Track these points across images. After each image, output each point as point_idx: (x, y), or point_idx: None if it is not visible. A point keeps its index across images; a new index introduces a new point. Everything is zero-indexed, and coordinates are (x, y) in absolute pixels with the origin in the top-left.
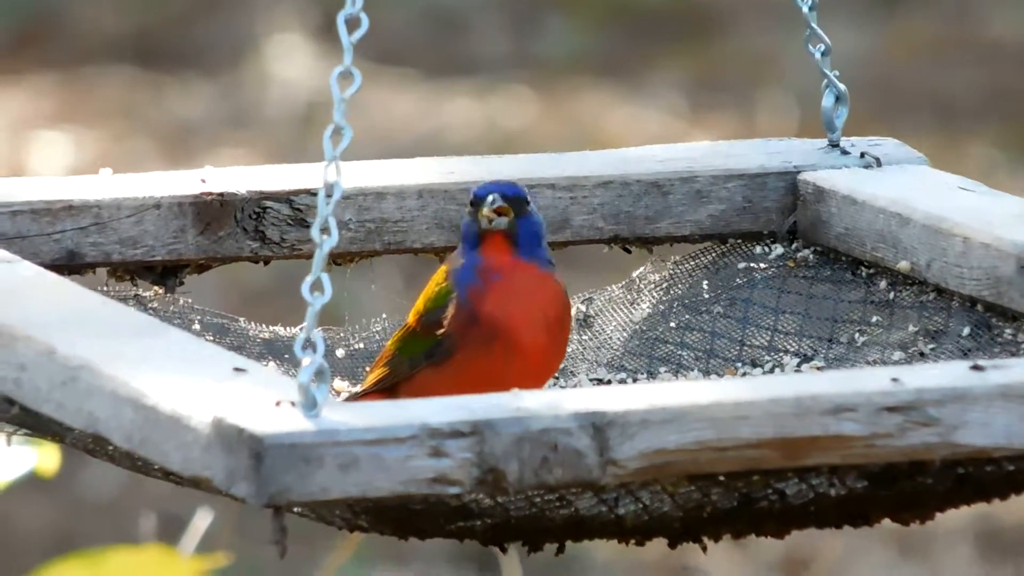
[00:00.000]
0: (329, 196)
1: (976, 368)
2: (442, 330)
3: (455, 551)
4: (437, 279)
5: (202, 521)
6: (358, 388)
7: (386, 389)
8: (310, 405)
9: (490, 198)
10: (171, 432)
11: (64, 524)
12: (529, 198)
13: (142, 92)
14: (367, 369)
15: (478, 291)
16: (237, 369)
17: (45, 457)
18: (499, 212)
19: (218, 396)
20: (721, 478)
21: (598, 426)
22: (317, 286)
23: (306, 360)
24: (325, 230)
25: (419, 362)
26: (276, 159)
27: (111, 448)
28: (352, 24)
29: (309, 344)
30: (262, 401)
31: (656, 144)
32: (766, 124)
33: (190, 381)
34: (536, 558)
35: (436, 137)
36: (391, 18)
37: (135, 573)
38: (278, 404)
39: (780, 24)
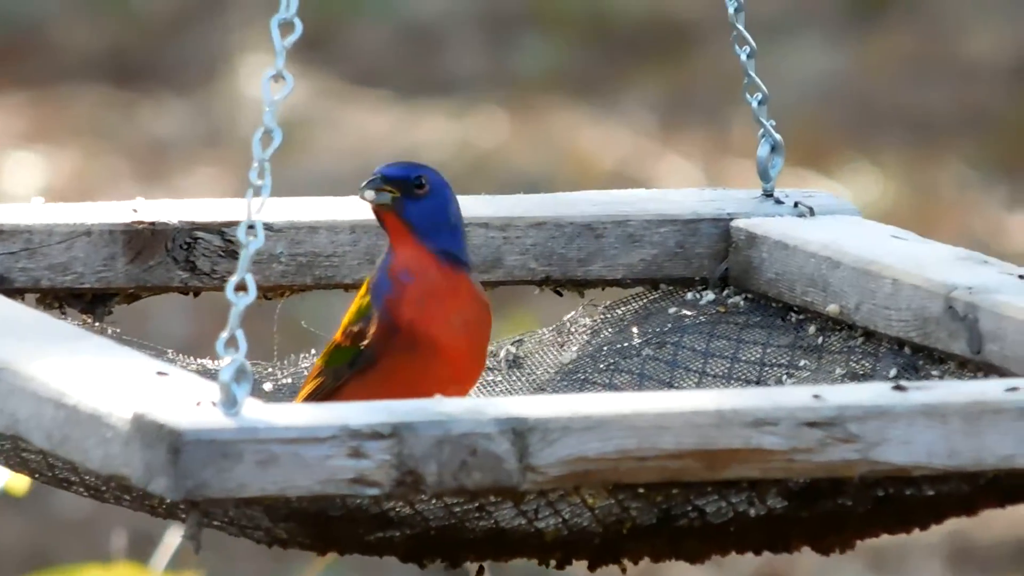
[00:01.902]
0: (257, 197)
1: (898, 388)
2: (365, 341)
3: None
4: (360, 293)
5: (173, 538)
6: None
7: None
8: (230, 403)
9: (371, 178)
10: (91, 430)
11: (36, 541)
12: (424, 180)
13: (115, 110)
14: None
15: (393, 299)
16: (160, 373)
17: (16, 476)
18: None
19: (139, 395)
20: (641, 490)
21: (519, 431)
22: (241, 286)
23: (227, 359)
24: (252, 232)
25: (343, 372)
26: (248, 178)
27: (33, 455)
28: (285, 28)
29: (232, 343)
30: (183, 399)
31: (629, 162)
32: (739, 142)
33: (112, 381)
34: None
35: (411, 156)
36: (366, 37)
37: None
38: (199, 403)
39: (754, 41)
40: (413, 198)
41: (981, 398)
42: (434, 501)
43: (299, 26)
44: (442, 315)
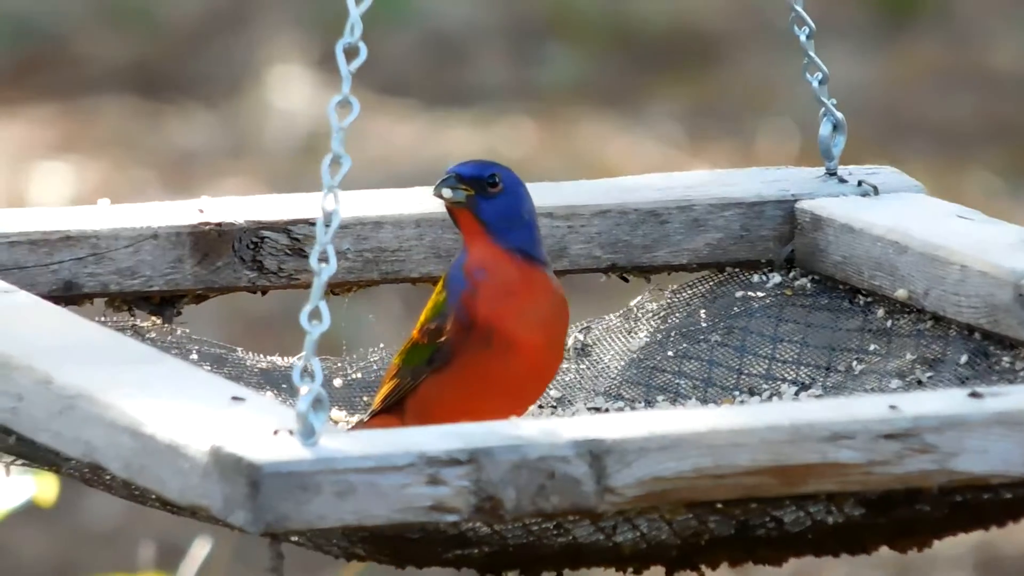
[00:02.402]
0: (328, 225)
1: (974, 395)
2: (442, 338)
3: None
4: (436, 290)
5: (200, 549)
6: (356, 418)
7: (395, 404)
8: (308, 433)
9: (444, 177)
10: (168, 460)
11: (64, 553)
12: (498, 178)
13: (142, 121)
14: (372, 395)
15: (468, 293)
16: (235, 398)
17: (44, 486)
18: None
19: (216, 424)
20: (719, 505)
21: (595, 453)
22: (315, 315)
23: (304, 388)
24: (324, 259)
25: (422, 371)
26: (275, 189)
27: (108, 477)
28: (351, 53)
29: (307, 372)
30: (260, 429)
31: (656, 173)
32: (766, 152)
33: (187, 409)
34: None
35: (437, 166)
36: (391, 48)
37: None
38: (276, 432)
39: (779, 51)
40: (487, 196)
41: None
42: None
43: (364, 50)
44: (517, 310)
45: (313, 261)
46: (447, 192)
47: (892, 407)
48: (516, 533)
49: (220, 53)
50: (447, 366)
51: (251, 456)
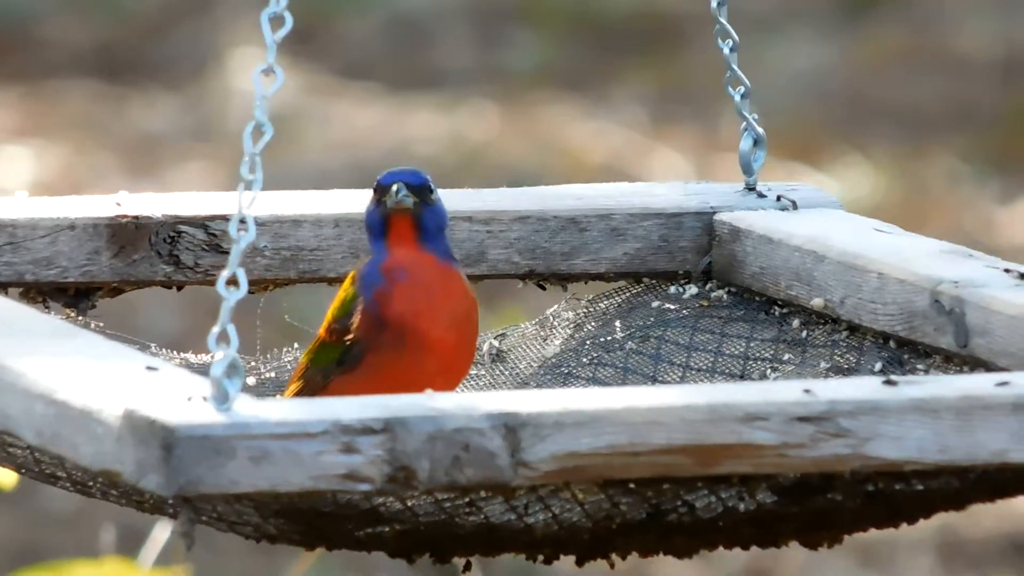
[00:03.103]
0: (248, 190)
1: (889, 383)
2: (350, 336)
3: (417, 565)
4: (344, 286)
5: (161, 533)
6: None
7: None
8: (222, 398)
9: (395, 186)
10: (82, 426)
11: (24, 537)
12: (433, 186)
13: (105, 105)
14: (282, 390)
15: (384, 292)
16: (149, 368)
17: (4, 470)
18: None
19: (130, 390)
20: (632, 485)
21: (511, 427)
22: (232, 281)
23: (219, 354)
24: (243, 227)
25: (331, 371)
26: (238, 172)
27: (20, 451)
28: (276, 22)
29: (223, 338)
30: (174, 395)
31: (619, 157)
32: (729, 137)
33: (101, 377)
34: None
35: (401, 150)
36: (356, 31)
37: None
38: (190, 398)
39: (743, 36)
40: (428, 204)
41: (972, 392)
42: (424, 497)
43: (289, 20)
44: (432, 310)
45: (232, 228)
46: (407, 200)
47: (807, 391)
48: (428, 510)
49: (183, 37)
50: (358, 366)
51: (165, 419)
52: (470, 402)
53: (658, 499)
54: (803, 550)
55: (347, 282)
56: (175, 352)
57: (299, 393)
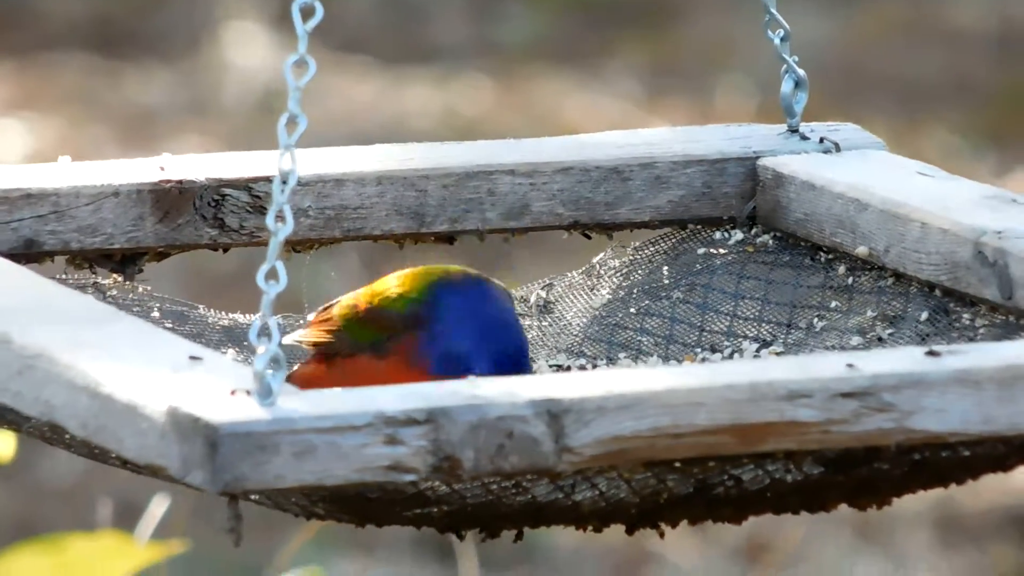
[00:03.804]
0: (284, 183)
1: (932, 354)
2: (392, 332)
3: (416, 537)
4: (411, 283)
5: (159, 507)
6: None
7: (322, 355)
8: (265, 393)
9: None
10: (126, 420)
11: (21, 510)
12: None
13: (100, 78)
14: (309, 319)
15: (450, 367)
16: (193, 357)
17: (1, 443)
18: None
19: (173, 385)
20: (677, 464)
21: (554, 413)
22: (272, 274)
23: (261, 348)
24: (280, 218)
25: (362, 348)
26: (234, 146)
27: (68, 436)
28: (306, 12)
29: (264, 332)
30: (217, 390)
31: (614, 130)
32: (724, 109)
33: (146, 369)
34: (496, 547)
35: (396, 124)
36: (350, 6)
37: (92, 559)
38: (233, 393)
39: (738, 9)
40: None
41: (1015, 362)
42: (471, 481)
43: (320, 10)
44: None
45: (270, 221)
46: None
47: (850, 366)
48: (475, 492)
49: (178, 10)
50: (387, 355)
51: (208, 416)
52: (512, 388)
53: (704, 475)
54: (802, 525)
55: (416, 280)
56: (224, 312)
57: (325, 347)
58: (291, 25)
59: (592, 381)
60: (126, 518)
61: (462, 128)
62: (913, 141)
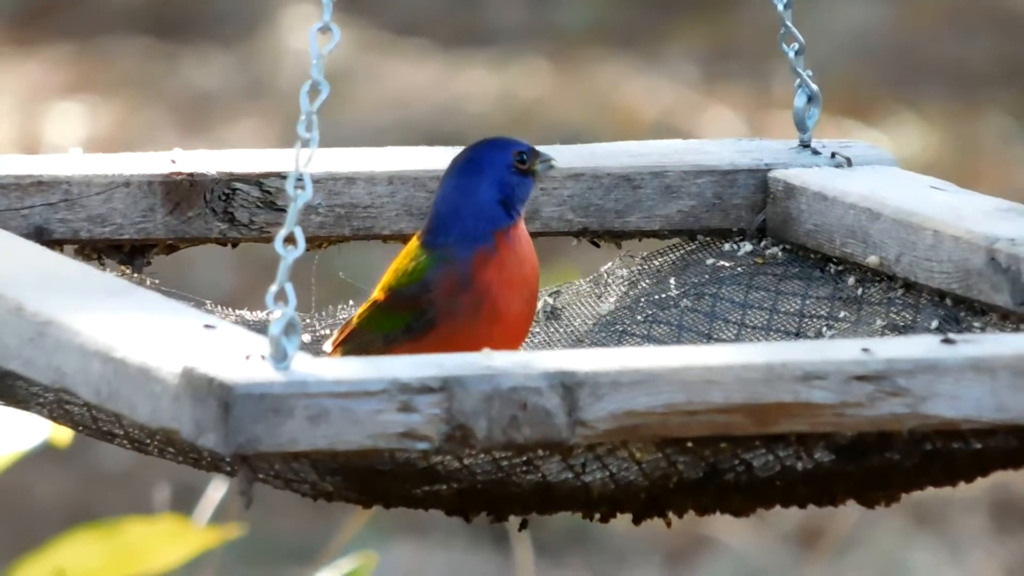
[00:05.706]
0: (305, 148)
1: (947, 341)
2: (425, 303)
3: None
4: (411, 253)
5: (216, 492)
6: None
7: None
8: (280, 357)
9: (534, 151)
10: (139, 384)
11: (79, 494)
12: None
13: (157, 62)
14: (327, 346)
15: (485, 255)
16: (207, 326)
17: (59, 427)
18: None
19: (188, 349)
20: (689, 444)
21: (568, 386)
22: (290, 239)
23: (277, 312)
24: (300, 185)
25: (396, 337)
26: (290, 129)
27: (75, 410)
28: None
29: (281, 296)
30: (232, 353)
31: (672, 114)
32: (781, 94)
33: (159, 335)
34: (550, 532)
35: (453, 107)
36: None
37: (149, 543)
38: (248, 357)
39: None
40: None
41: None
42: (482, 455)
43: None
44: (518, 283)
45: (289, 186)
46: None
47: (865, 350)
48: (485, 468)
49: None
50: (428, 332)
51: (223, 377)
52: (527, 360)
53: (715, 458)
54: (857, 510)
55: (413, 249)
56: (230, 309)
57: (353, 353)
58: (348, 8)
59: (607, 356)
60: (183, 502)
61: (518, 112)
62: (969, 125)
